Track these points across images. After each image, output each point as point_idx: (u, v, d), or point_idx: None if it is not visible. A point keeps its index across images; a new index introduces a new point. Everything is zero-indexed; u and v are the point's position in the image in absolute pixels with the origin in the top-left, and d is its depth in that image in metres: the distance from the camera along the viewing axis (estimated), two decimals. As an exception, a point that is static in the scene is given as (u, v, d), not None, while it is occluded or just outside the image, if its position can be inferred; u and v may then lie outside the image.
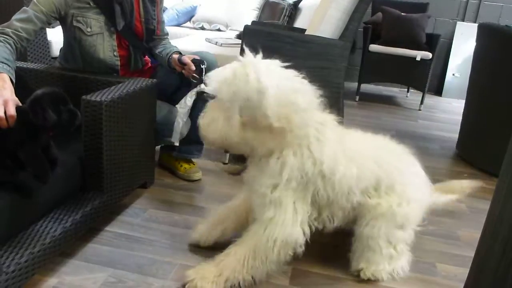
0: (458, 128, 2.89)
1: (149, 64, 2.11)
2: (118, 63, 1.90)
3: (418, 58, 3.77)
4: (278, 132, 1.22)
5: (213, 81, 1.25)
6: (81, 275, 1.36)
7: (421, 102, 3.97)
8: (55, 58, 2.41)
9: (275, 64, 1.27)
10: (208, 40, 3.46)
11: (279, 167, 1.27)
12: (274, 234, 1.28)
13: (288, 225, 1.29)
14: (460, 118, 2.87)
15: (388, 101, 4.22)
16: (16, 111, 1.22)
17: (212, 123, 1.25)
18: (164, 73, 2.01)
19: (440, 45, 3.94)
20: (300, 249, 1.33)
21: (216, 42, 3.36)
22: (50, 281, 1.32)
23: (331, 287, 1.43)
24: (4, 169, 1.24)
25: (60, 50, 1.98)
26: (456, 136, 2.91)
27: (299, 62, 2.09)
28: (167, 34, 2.09)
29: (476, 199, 2.16)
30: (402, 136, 3.14)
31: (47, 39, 2.59)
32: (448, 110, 4.08)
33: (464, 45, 4.47)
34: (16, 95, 1.29)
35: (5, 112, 1.20)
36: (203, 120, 1.28)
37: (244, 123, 1.22)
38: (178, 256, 1.50)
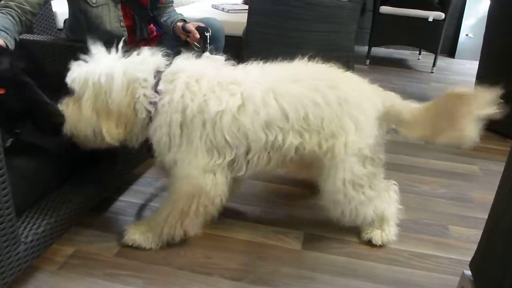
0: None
1: (155, 33, 2.08)
2: (125, 33, 1.87)
3: (430, 19, 3.66)
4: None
5: (69, 78, 1.25)
6: (97, 244, 1.39)
7: (433, 65, 3.89)
8: (61, 29, 2.39)
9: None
10: (215, 7, 3.40)
11: (152, 132, 1.27)
12: (183, 188, 1.27)
13: (193, 177, 1.26)
14: (474, 80, 2.81)
15: (400, 64, 4.14)
16: None
17: (79, 121, 1.24)
18: (169, 41, 1.98)
19: (453, 5, 3.81)
20: (219, 199, 1.30)
21: (223, 9, 3.30)
22: (67, 250, 1.35)
23: (343, 250, 1.44)
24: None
25: (65, 21, 1.96)
26: (469, 98, 2.85)
27: (308, 25, 2.05)
28: (172, 2, 2.05)
29: (489, 161, 2.14)
30: (414, 99, 3.08)
31: (52, 11, 2.57)
32: (461, 72, 3.99)
33: (478, 4, 4.32)
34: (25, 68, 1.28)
35: None
36: (69, 122, 1.25)
37: (99, 113, 1.24)
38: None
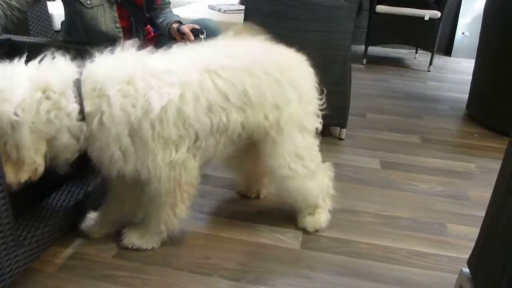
0: (468, 88, 2.84)
1: (152, 34, 2.08)
2: (121, 34, 1.87)
3: (426, 18, 3.67)
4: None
5: None
6: (96, 245, 1.39)
7: (430, 63, 3.90)
8: (57, 31, 2.38)
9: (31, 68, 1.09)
10: (211, 7, 3.40)
11: (97, 153, 1.16)
12: (160, 187, 1.22)
13: (163, 175, 1.20)
14: (470, 78, 2.82)
15: (397, 63, 4.15)
16: None
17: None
18: (166, 42, 1.98)
19: (449, 3, 3.82)
20: (196, 180, 1.28)
21: (219, 9, 3.30)
22: (66, 252, 1.35)
23: (342, 249, 1.44)
24: None
25: (62, 23, 1.96)
26: (466, 96, 2.86)
27: (304, 25, 2.05)
28: (169, 3, 2.05)
29: (486, 158, 2.15)
30: (411, 98, 3.10)
31: (48, 12, 2.55)
32: (457, 70, 4.00)
33: (474, 2, 4.33)
34: None
35: None
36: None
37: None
38: (190, 223, 1.52)
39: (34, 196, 1.28)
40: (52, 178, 1.34)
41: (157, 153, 1.17)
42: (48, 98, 1.06)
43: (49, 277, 1.25)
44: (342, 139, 2.28)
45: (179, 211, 1.31)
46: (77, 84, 1.10)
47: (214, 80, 1.20)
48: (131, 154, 1.16)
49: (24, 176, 1.08)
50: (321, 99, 1.41)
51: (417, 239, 1.51)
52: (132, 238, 1.37)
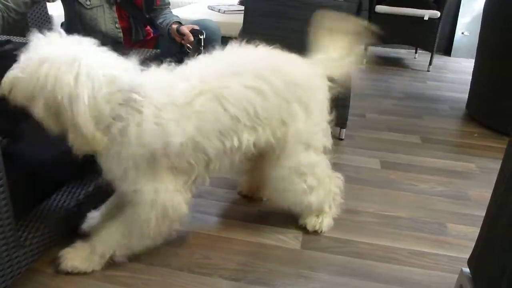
0: (468, 88, 2.84)
1: (151, 35, 2.08)
2: (121, 35, 1.87)
3: (426, 18, 3.67)
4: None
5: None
6: (97, 246, 1.39)
7: (430, 63, 3.89)
8: (57, 32, 2.38)
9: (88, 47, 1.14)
10: (211, 8, 3.40)
11: (113, 160, 1.14)
12: (145, 214, 1.18)
13: (158, 203, 1.18)
14: (470, 77, 2.82)
15: (396, 63, 4.15)
16: None
17: None
18: (166, 43, 1.98)
19: (448, 3, 3.82)
20: (183, 215, 1.25)
21: (219, 10, 3.30)
22: (67, 253, 1.35)
23: (342, 250, 1.45)
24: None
25: (61, 24, 1.96)
26: (466, 96, 2.86)
27: (304, 26, 2.06)
28: (168, 3, 2.05)
29: (486, 158, 2.15)
30: (411, 98, 3.10)
31: (48, 14, 2.56)
32: (457, 70, 4.00)
33: (473, 1, 4.33)
34: None
35: None
36: None
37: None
38: (190, 223, 1.52)
39: (34, 197, 1.28)
40: (53, 179, 1.35)
41: (164, 180, 1.18)
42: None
43: (50, 278, 1.25)
44: (342, 139, 2.28)
45: (147, 237, 1.25)
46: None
47: (223, 104, 1.18)
48: (139, 175, 1.15)
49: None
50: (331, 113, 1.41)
51: (417, 239, 1.52)
52: (72, 261, 1.25)
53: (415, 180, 1.93)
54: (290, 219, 1.55)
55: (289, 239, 1.48)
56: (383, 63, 4.06)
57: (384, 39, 4.04)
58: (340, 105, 2.18)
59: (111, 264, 1.31)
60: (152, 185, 1.17)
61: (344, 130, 2.28)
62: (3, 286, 1.10)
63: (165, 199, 1.19)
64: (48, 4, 2.60)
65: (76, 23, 1.81)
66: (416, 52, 4.45)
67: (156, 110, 1.11)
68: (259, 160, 1.42)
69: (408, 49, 4.56)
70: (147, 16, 1.97)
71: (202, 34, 1.78)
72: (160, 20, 1.96)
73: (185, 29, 1.81)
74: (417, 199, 1.78)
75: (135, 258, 1.34)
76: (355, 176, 1.93)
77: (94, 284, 1.24)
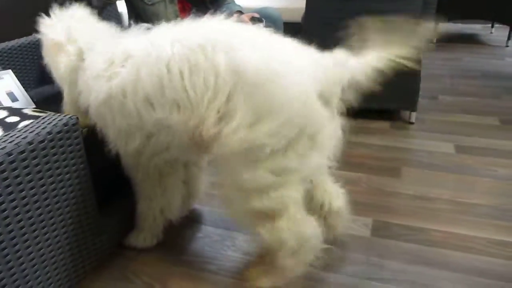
0: (554, 63, 2.60)
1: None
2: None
3: (504, -12, 3.39)
4: None
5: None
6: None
7: (509, 38, 3.60)
8: (127, 29, 2.49)
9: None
10: (272, -6, 3.37)
11: None
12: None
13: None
14: (557, 51, 2.57)
15: (470, 40, 3.88)
16: None
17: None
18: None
19: (530, -29, 3.49)
20: None
21: (281, -5, 3.27)
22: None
23: (414, 237, 1.40)
24: None
25: (129, 22, 2.05)
26: (551, 72, 2.63)
27: (372, 6, 1.98)
28: (231, -7, 2.07)
29: None
30: (488, 77, 2.90)
31: (118, 11, 2.68)
32: (541, 44, 3.67)
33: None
34: None
35: None
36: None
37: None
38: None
39: (113, 185, 1.36)
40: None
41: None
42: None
43: (129, 260, 1.33)
44: (412, 123, 2.19)
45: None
46: None
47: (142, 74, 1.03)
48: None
49: None
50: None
51: (498, 228, 1.42)
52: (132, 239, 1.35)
53: (494, 165, 1.80)
54: (359, 206, 1.52)
55: (358, 226, 1.45)
56: (456, 40, 3.82)
57: (456, 14, 3.80)
58: (410, 87, 2.10)
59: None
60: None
61: (415, 113, 2.18)
62: (91, 267, 1.20)
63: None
64: (117, 2, 2.73)
65: (140, 19, 1.88)
66: (492, 27, 4.13)
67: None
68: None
69: (484, 24, 4.25)
70: (210, 7, 2.00)
71: (261, 21, 1.78)
72: (223, 10, 1.99)
73: (245, 17, 1.82)
74: (497, 185, 1.67)
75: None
76: (428, 161, 1.84)
77: (166, 266, 1.30)
